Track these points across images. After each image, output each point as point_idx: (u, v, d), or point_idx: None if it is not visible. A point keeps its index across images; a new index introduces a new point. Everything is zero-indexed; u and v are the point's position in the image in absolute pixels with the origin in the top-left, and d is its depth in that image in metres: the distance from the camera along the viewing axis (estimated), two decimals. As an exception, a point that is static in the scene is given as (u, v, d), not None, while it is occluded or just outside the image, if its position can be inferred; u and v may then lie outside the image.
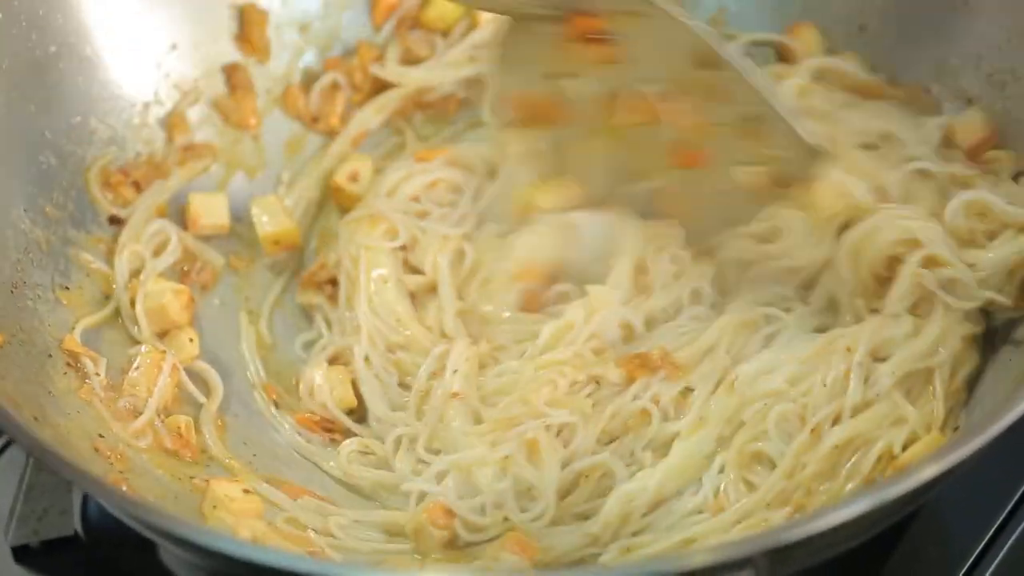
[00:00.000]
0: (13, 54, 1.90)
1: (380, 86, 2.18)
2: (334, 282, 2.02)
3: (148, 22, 2.05)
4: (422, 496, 1.79)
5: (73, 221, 1.93)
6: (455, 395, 1.84)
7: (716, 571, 1.29)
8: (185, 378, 1.88)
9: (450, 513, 1.75)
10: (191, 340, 1.92)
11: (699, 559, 1.31)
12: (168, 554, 1.74)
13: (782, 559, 1.36)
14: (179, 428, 1.82)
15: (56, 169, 1.93)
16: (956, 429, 1.73)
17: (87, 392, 1.78)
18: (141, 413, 1.80)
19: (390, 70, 2.17)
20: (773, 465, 1.71)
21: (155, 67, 2.06)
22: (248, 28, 2.13)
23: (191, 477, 1.78)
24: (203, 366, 1.92)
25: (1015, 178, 1.89)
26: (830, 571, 1.57)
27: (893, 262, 1.82)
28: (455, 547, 1.76)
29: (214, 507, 1.72)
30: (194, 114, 2.09)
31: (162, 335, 1.92)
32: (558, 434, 1.78)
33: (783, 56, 2.14)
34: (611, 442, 1.79)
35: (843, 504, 1.38)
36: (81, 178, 1.95)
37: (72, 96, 1.96)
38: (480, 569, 1.70)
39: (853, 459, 1.70)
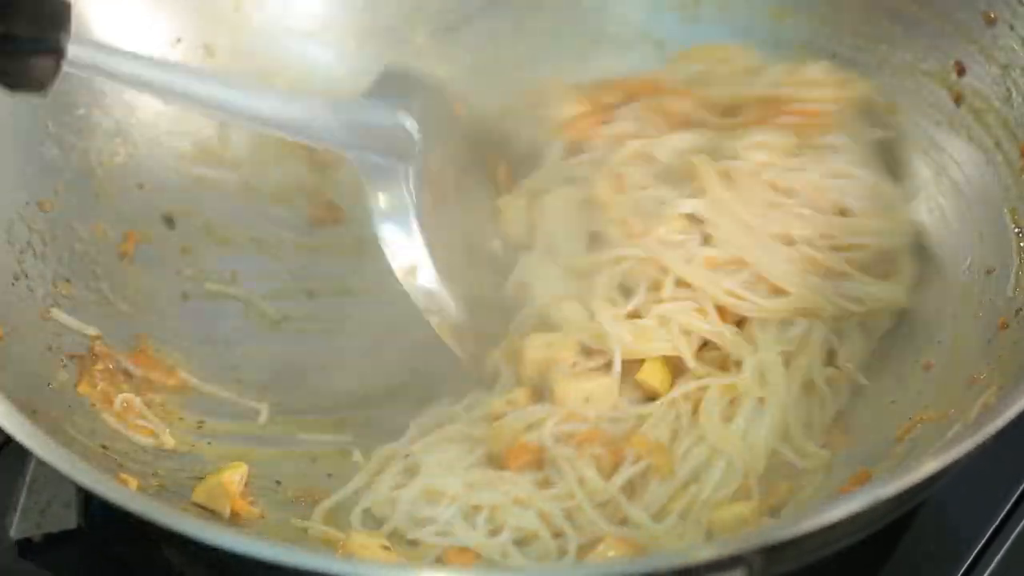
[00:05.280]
0: (17, 45, 1.90)
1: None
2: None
3: (152, 15, 2.05)
4: None
5: (76, 213, 1.92)
6: None
7: (707, 570, 1.28)
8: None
9: None
10: None
11: (689, 557, 1.30)
12: (172, 548, 1.74)
13: (776, 557, 1.35)
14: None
15: (59, 161, 1.93)
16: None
17: (87, 386, 1.79)
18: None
19: None
20: None
21: (159, 60, 2.06)
22: None
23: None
24: None
25: None
26: (830, 569, 1.57)
27: None
28: None
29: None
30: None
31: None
32: None
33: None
34: None
35: (839, 501, 1.38)
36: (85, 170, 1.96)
37: (75, 88, 1.95)
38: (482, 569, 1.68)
39: None
